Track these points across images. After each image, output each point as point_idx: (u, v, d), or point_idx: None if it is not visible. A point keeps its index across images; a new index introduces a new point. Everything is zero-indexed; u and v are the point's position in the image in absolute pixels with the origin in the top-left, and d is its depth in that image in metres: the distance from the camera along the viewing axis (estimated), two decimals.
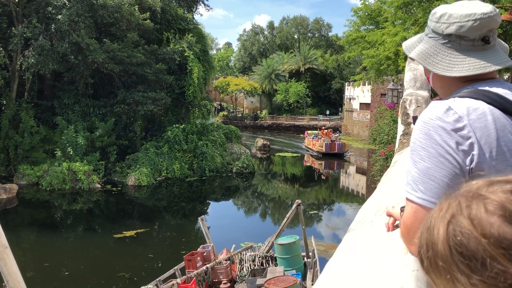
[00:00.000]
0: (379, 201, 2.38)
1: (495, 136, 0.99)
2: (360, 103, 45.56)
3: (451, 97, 1.08)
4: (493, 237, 0.52)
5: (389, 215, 1.48)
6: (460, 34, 1.10)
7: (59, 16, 21.83)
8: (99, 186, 21.26)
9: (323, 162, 32.45)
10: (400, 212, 1.30)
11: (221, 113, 59.70)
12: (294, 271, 9.01)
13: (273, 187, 25.89)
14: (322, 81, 60.09)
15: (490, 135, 0.99)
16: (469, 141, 0.99)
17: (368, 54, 17.16)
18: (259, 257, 10.03)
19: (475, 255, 0.52)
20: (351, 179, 28.68)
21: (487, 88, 1.07)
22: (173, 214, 19.00)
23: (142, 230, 15.45)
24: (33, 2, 22.13)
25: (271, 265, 9.72)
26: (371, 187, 17.88)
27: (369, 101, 41.96)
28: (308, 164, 33.16)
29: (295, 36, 72.17)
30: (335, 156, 33.17)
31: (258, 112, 59.78)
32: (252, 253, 10.32)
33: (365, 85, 40.60)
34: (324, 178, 28.82)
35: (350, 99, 48.14)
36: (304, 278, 9.28)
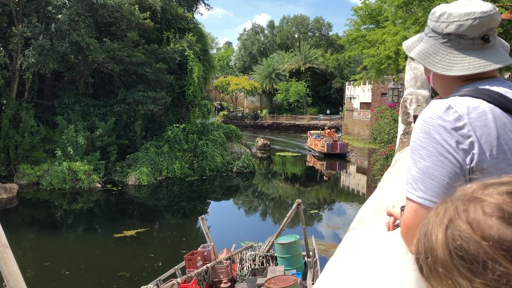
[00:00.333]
0: (379, 200, 2.38)
1: (496, 134, 0.99)
2: (361, 103, 45.52)
3: (451, 96, 1.08)
4: (493, 239, 0.52)
5: (390, 215, 1.48)
6: (460, 33, 1.10)
7: (59, 16, 21.83)
8: (99, 185, 21.27)
9: (324, 163, 32.15)
10: (401, 212, 1.30)
11: (221, 113, 59.70)
12: (294, 271, 9.01)
13: (273, 187, 25.89)
14: (323, 80, 60.05)
15: (491, 134, 0.99)
16: (469, 140, 0.99)
17: (368, 53, 17.16)
18: (259, 257, 10.03)
19: (476, 258, 0.52)
20: (352, 179, 28.66)
21: (487, 86, 1.07)
22: (174, 214, 19.01)
23: (142, 229, 15.46)
24: (33, 1, 22.13)
25: (271, 264, 9.73)
26: (371, 186, 17.87)
27: (369, 101, 41.93)
28: (310, 164, 32.88)
29: (296, 36, 72.15)
30: (337, 157, 32.76)
31: (259, 111, 59.76)
32: (253, 252, 10.32)
33: (365, 84, 40.60)
34: (325, 177, 28.81)
35: (350, 98, 48.11)
36: (304, 277, 9.28)
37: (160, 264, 12.30)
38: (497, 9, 1.11)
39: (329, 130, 36.06)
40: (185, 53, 26.30)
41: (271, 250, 10.22)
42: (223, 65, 73.65)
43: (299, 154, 35.93)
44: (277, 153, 36.01)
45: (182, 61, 26.33)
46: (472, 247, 0.53)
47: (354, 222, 2.37)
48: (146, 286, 8.16)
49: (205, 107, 29.83)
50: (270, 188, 25.55)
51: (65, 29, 21.78)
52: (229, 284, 9.11)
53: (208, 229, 11.00)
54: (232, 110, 61.30)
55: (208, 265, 9.23)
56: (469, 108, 1.01)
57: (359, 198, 21.81)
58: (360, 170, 30.32)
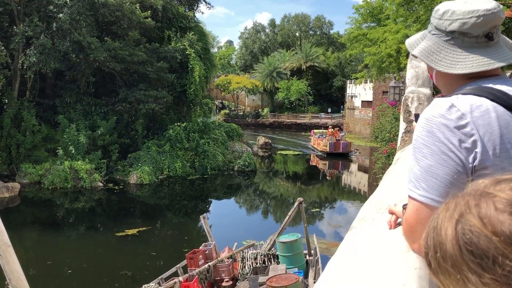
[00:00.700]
0: (381, 199, 2.38)
1: (499, 133, 0.99)
2: (362, 101, 45.47)
3: (454, 94, 1.07)
4: (504, 235, 0.52)
5: (391, 213, 1.48)
6: (463, 31, 1.09)
7: (60, 15, 21.84)
8: (101, 184, 21.30)
9: (327, 162, 31.75)
10: (402, 210, 1.30)
11: (222, 112, 59.69)
12: (296, 269, 9.01)
13: (274, 185, 25.89)
14: (324, 79, 59.98)
15: (494, 132, 0.99)
16: (472, 138, 0.99)
17: (369, 52, 17.12)
18: (261, 255, 10.04)
19: (486, 253, 0.52)
20: (353, 177, 28.64)
21: (490, 85, 1.06)
22: (175, 212, 19.03)
23: (144, 228, 15.48)
24: (34, 1, 22.16)
25: (273, 263, 9.73)
26: (373, 185, 17.86)
27: (371, 99, 41.88)
28: (313, 164, 32.43)
29: (297, 34, 72.04)
30: (340, 156, 32.27)
31: (260, 110, 59.72)
32: (254, 251, 10.33)
33: (366, 82, 40.55)
34: (326, 176, 28.78)
35: (351, 97, 48.05)
36: (306, 276, 9.29)
37: (161, 262, 12.32)
38: (501, 6, 1.10)
39: (332, 129, 35.37)
40: (186, 52, 26.29)
41: (272, 249, 10.22)
42: (224, 63, 73.63)
43: (301, 153, 35.84)
44: (279, 152, 35.96)
45: (183, 60, 26.33)
46: (483, 242, 0.52)
47: (356, 220, 2.37)
48: (148, 285, 8.17)
49: (206, 105, 29.86)
50: (272, 187, 25.55)
51: (66, 28, 21.79)
52: (230, 282, 9.11)
53: (210, 227, 11.01)
54: (233, 108, 61.28)
55: (209, 263, 9.24)
56: (472, 107, 1.01)
57: (360, 197, 21.80)
58: (361, 168, 30.28)
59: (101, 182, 21.46)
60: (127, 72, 24.19)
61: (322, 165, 31.69)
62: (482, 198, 0.56)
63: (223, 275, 9.21)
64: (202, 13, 68.95)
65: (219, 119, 47.07)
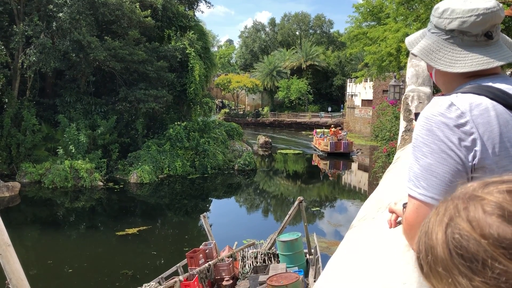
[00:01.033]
0: (381, 198, 2.38)
1: (498, 131, 0.99)
2: (362, 100, 45.45)
3: (453, 92, 1.07)
4: (492, 238, 0.52)
5: (391, 212, 1.48)
6: (463, 30, 1.09)
7: (60, 14, 21.83)
8: (101, 184, 21.31)
9: (328, 162, 31.36)
10: (403, 209, 1.30)
11: (222, 111, 59.67)
12: (296, 268, 9.02)
13: (275, 184, 25.90)
14: (324, 78, 59.95)
15: (493, 131, 0.99)
16: (472, 137, 0.99)
17: (370, 51, 17.10)
18: (261, 254, 10.04)
19: (476, 256, 0.52)
20: (353, 176, 28.63)
21: (490, 83, 1.06)
22: (175, 212, 19.04)
23: (144, 227, 15.49)
24: (34, 0, 22.13)
25: (273, 262, 9.74)
26: (373, 184, 17.86)
27: (371, 98, 41.86)
28: (314, 164, 32.03)
29: (297, 33, 71.97)
30: (341, 156, 31.76)
31: (260, 109, 59.70)
32: (254, 250, 10.33)
33: (367, 81, 40.53)
34: (326, 175, 28.76)
35: (352, 95, 48.04)
36: (306, 275, 9.29)
37: (162, 261, 12.33)
38: (501, 5, 1.10)
39: (334, 129, 34.75)
40: (186, 51, 26.28)
41: (273, 248, 10.23)
42: (224, 63, 73.61)
43: (301, 152, 35.79)
44: (279, 151, 35.94)
45: (183, 59, 26.32)
46: (472, 245, 0.53)
47: (356, 219, 2.37)
48: (148, 284, 8.17)
49: (206, 105, 29.84)
50: (272, 186, 25.56)
51: (66, 28, 21.79)
52: (231, 281, 9.12)
53: (210, 227, 11.02)
54: (233, 108, 61.26)
55: (210, 262, 9.25)
56: (471, 105, 1.01)
57: (360, 196, 21.80)
58: (361, 167, 30.26)
59: (101, 181, 21.47)
60: (127, 71, 24.18)
61: (323, 165, 31.27)
62: (471, 201, 0.56)
63: (224, 274, 9.22)
64: (202, 12, 69.08)
65: (219, 118, 47.06)
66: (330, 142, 32.14)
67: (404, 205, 1.24)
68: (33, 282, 4.00)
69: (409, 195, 1.07)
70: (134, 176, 22.12)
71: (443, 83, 1.20)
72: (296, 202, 10.11)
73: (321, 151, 33.30)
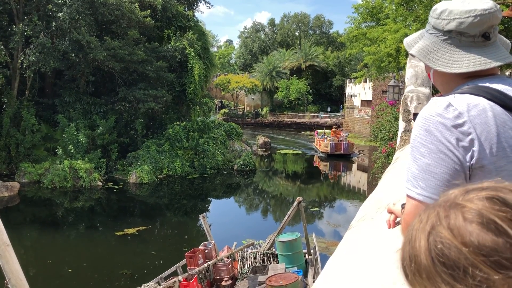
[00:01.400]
0: (380, 198, 2.39)
1: (496, 132, 0.99)
2: (361, 100, 45.46)
3: (451, 93, 1.08)
4: (473, 245, 0.52)
5: (390, 212, 1.48)
6: (460, 31, 1.10)
7: (60, 14, 21.82)
8: (100, 184, 21.29)
9: (328, 163, 30.98)
10: (401, 209, 1.30)
11: (222, 111, 59.66)
12: (295, 268, 9.02)
13: (274, 185, 25.90)
14: (323, 78, 59.96)
15: (491, 131, 0.99)
16: (470, 137, 0.99)
17: (369, 51, 17.11)
18: (260, 254, 10.05)
19: (457, 264, 0.53)
20: (352, 176, 28.64)
21: (487, 84, 1.07)
22: (175, 212, 19.03)
23: (143, 227, 15.48)
24: (33, 0, 22.12)
25: (272, 262, 9.74)
26: (372, 184, 17.87)
27: (370, 98, 41.88)
28: (315, 165, 31.58)
29: (296, 33, 72.00)
30: (341, 157, 31.22)
31: (259, 109, 59.71)
32: (254, 250, 10.34)
33: (366, 82, 40.55)
34: (325, 176, 28.76)
35: (351, 96, 48.05)
36: (305, 275, 9.29)
37: (161, 262, 12.32)
38: (498, 6, 1.11)
39: (336, 129, 34.08)
40: (186, 51, 26.28)
41: (272, 248, 10.23)
42: (224, 63, 73.57)
43: (300, 152, 35.77)
44: (278, 151, 35.93)
45: (182, 59, 26.32)
46: (453, 253, 0.53)
47: (355, 219, 2.38)
48: (148, 284, 8.17)
49: (205, 105, 29.83)
50: (271, 186, 25.56)
51: (66, 28, 21.77)
52: (230, 281, 9.12)
53: (209, 227, 11.02)
54: (232, 108, 61.25)
55: (209, 263, 9.25)
56: (469, 106, 1.01)
57: (360, 196, 21.81)
58: (361, 167, 30.26)
59: (101, 181, 21.46)
60: (126, 71, 24.18)
61: (323, 166, 30.89)
62: (452, 209, 0.57)
63: (223, 274, 9.22)
64: (202, 12, 69.12)
65: (218, 118, 47.06)
66: (330, 143, 31.67)
67: (403, 206, 1.25)
68: (32, 282, 4.00)
69: (408, 195, 1.07)
70: (133, 176, 22.11)
71: (441, 84, 1.21)
72: (295, 202, 10.11)
73: (321, 152, 32.89)
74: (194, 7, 30.62)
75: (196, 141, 25.15)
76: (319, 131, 37.43)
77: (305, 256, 10.04)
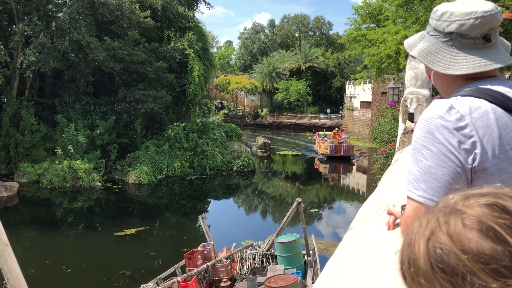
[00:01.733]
0: (379, 199, 2.38)
1: (498, 134, 0.99)
2: (361, 102, 45.49)
3: (452, 95, 1.08)
4: (472, 252, 0.52)
5: (390, 214, 1.48)
6: (461, 32, 1.10)
7: (60, 14, 21.82)
8: (99, 184, 21.28)
9: (328, 166, 30.69)
10: (401, 211, 1.30)
11: (221, 112, 59.67)
12: (294, 270, 9.01)
13: (273, 186, 25.89)
14: (323, 79, 60.02)
15: (493, 134, 0.99)
16: (472, 139, 0.99)
17: (369, 53, 17.15)
18: (259, 256, 10.04)
19: (456, 271, 0.53)
20: (352, 178, 28.64)
21: (488, 86, 1.07)
22: (174, 212, 19.02)
23: (142, 228, 15.47)
24: (33, 0, 22.12)
25: (271, 263, 9.73)
26: (371, 185, 17.87)
27: (370, 100, 41.89)
28: (315, 167, 31.19)
29: (296, 35, 72.08)
30: (341, 160, 30.85)
31: (259, 110, 59.73)
32: (253, 251, 10.33)
33: (366, 83, 40.59)
34: (325, 177, 28.75)
35: (351, 97, 48.08)
36: (304, 276, 9.28)
37: (160, 262, 12.31)
38: (499, 8, 1.11)
39: (337, 131, 33.48)
40: (186, 52, 26.28)
41: (271, 249, 10.22)
42: (224, 64, 73.57)
43: (300, 154, 35.75)
44: (277, 152, 35.93)
45: (182, 60, 26.32)
46: (452, 259, 0.53)
47: (355, 221, 2.38)
48: (146, 285, 8.16)
49: (205, 105, 29.83)
50: (270, 187, 25.55)
51: (66, 28, 21.77)
52: (229, 283, 9.11)
53: (208, 227, 11.01)
54: (232, 109, 61.27)
55: (208, 263, 9.24)
56: (471, 108, 1.01)
57: (359, 197, 21.81)
58: (360, 169, 30.24)
59: (100, 181, 21.44)
60: (126, 72, 24.17)
61: (323, 168, 30.55)
62: (451, 215, 0.57)
63: (222, 275, 9.21)
64: (202, 13, 69.12)
65: (218, 119, 47.02)
66: (330, 145, 31.24)
67: (403, 207, 1.25)
68: (31, 282, 3.99)
69: (408, 197, 1.07)
70: (132, 176, 22.10)
71: (441, 85, 1.21)
72: (295, 204, 10.11)
73: (322, 154, 32.55)
74: (194, 8, 30.63)
75: (195, 141, 25.14)
76: (320, 132, 37.11)
77: (304, 258, 10.03)
